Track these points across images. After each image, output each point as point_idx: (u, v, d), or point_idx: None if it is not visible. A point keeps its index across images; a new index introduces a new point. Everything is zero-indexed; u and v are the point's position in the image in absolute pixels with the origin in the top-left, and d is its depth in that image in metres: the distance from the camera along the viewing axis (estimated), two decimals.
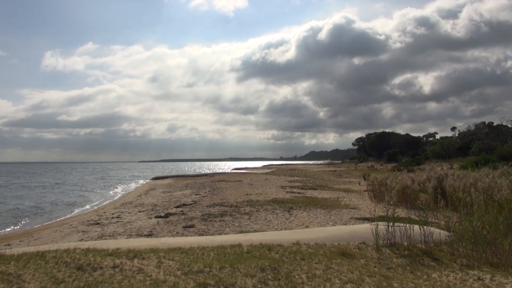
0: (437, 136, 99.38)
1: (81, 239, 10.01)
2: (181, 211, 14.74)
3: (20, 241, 10.84)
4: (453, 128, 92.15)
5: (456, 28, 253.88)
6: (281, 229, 10.07)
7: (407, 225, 6.77)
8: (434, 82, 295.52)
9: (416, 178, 15.26)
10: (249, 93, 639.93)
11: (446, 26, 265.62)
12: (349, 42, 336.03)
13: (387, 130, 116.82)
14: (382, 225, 6.74)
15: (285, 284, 4.60)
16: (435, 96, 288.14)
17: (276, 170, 62.89)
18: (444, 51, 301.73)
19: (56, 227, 13.12)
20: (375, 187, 17.43)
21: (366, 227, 7.45)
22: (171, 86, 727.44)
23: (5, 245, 9.93)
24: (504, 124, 71.30)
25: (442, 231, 7.28)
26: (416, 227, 6.79)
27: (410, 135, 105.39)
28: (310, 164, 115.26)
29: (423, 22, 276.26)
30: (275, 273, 4.93)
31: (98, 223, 12.90)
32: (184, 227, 11.12)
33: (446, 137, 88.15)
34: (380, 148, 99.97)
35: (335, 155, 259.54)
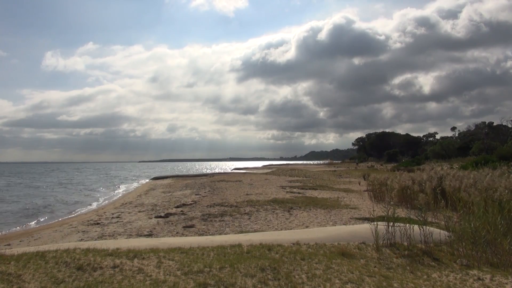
0: (437, 136, 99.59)
1: (81, 239, 10.01)
2: (181, 211, 14.74)
3: (20, 241, 10.84)
4: (453, 128, 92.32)
5: (456, 28, 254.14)
6: (281, 229, 10.07)
7: (407, 225, 6.77)
8: (434, 82, 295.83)
9: (417, 178, 15.26)
10: (249, 93, 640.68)
11: (446, 26, 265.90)
12: (349, 42, 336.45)
13: (387, 130, 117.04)
14: (382, 225, 6.74)
15: (285, 284, 4.60)
16: (435, 96, 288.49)
17: (276, 170, 62.87)
18: (444, 51, 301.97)
19: (56, 227, 13.12)
20: (375, 187, 17.43)
21: (366, 227, 7.45)
22: (171, 86, 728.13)
23: (5, 245, 9.93)
24: (504, 124, 71.44)
25: (442, 231, 7.28)
26: (416, 227, 6.79)
27: (410, 135, 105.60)
28: (310, 164, 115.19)
29: (423, 22, 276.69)
30: (275, 273, 4.93)
31: (98, 223, 12.90)
32: (184, 227, 11.12)
33: (446, 137, 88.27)
34: (380, 148, 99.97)
35: (335, 155, 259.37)
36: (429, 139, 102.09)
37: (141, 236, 10.08)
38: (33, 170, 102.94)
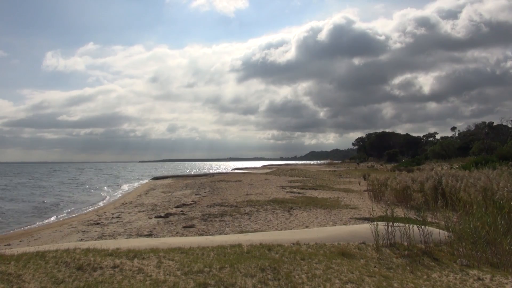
0: (437, 136, 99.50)
1: (81, 239, 10.01)
2: (181, 211, 14.74)
3: (20, 241, 10.85)
4: (453, 128, 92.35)
5: (456, 28, 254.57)
6: (281, 229, 10.07)
7: (407, 225, 6.77)
8: (434, 82, 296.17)
9: (417, 178, 15.26)
10: (249, 93, 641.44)
11: (446, 27, 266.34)
12: (349, 42, 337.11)
13: (387, 130, 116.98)
14: (382, 225, 6.74)
15: (285, 284, 4.60)
16: (435, 96, 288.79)
17: (276, 170, 62.86)
18: (444, 52, 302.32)
19: (56, 227, 13.12)
20: (375, 187, 17.43)
21: (366, 227, 7.45)
22: (172, 86, 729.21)
23: (5, 245, 9.94)
24: (504, 124, 71.49)
25: (442, 231, 7.28)
26: (416, 227, 6.79)
27: (410, 135, 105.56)
28: (310, 164, 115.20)
29: (423, 22, 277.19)
30: (275, 273, 4.93)
31: (98, 223, 12.91)
32: (184, 227, 11.12)
33: (446, 137, 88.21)
34: (380, 148, 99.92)
35: (335, 155, 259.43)
36: (429, 139, 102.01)
37: (141, 236, 10.08)
38: (35, 170, 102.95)
